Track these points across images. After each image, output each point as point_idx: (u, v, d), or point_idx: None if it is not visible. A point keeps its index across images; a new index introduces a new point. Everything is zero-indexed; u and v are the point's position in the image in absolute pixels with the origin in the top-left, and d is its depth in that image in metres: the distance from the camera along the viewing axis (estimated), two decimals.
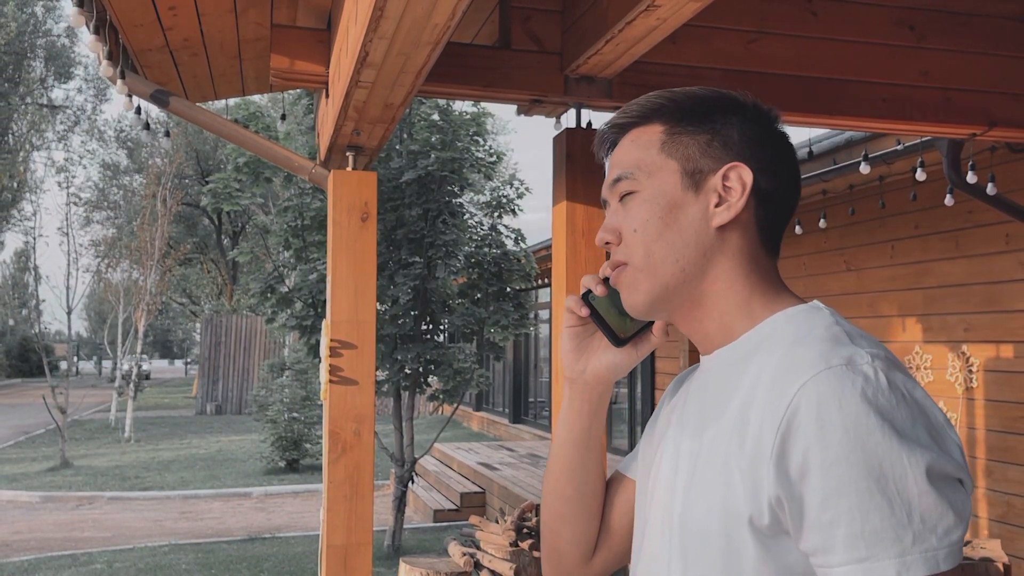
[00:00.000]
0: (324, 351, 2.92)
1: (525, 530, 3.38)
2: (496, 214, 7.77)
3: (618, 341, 1.05)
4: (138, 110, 3.25)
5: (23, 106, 29.85)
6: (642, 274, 0.97)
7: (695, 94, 1.01)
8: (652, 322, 1.05)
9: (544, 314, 14.07)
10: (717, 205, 0.96)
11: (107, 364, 47.97)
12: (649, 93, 1.03)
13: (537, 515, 3.54)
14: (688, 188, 0.97)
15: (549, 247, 7.52)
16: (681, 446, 0.97)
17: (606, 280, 1.04)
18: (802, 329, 0.90)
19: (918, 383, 0.85)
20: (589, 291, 1.05)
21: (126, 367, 18.64)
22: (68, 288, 15.69)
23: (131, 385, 17.23)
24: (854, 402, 0.80)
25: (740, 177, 0.96)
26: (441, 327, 7.62)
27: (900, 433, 0.79)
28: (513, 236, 7.77)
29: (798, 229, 6.11)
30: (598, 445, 1.13)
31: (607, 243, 1.01)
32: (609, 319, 1.05)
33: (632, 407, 10.24)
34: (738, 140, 0.98)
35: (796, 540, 0.83)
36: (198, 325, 29.57)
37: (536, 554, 3.38)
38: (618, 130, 1.05)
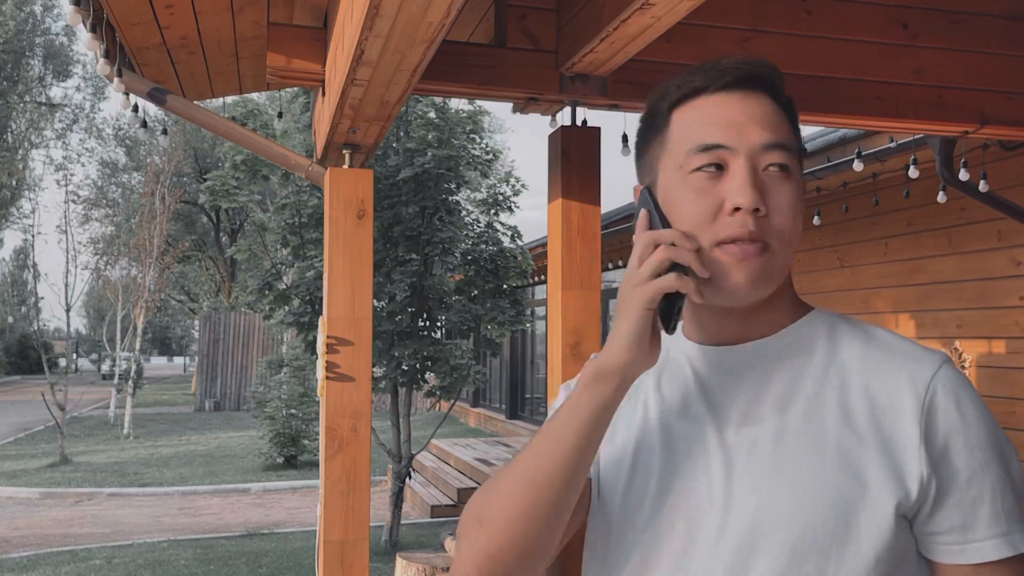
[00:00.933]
0: (321, 348, 2.92)
1: None
2: (493, 211, 7.76)
3: (671, 327, 0.90)
4: (135, 108, 3.24)
5: (22, 104, 29.78)
6: (778, 259, 0.89)
7: None
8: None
9: (540, 311, 14.07)
10: None
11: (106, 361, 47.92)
12: (758, 61, 0.94)
13: None
14: None
15: (545, 244, 7.51)
16: (724, 439, 0.91)
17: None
18: (859, 326, 0.94)
19: None
20: (688, 268, 0.87)
21: (124, 365, 18.60)
22: (67, 285, 15.66)
23: (129, 382, 17.21)
24: (975, 393, 0.89)
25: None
26: (438, 324, 7.62)
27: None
28: (509, 233, 7.76)
29: None
30: None
31: (756, 210, 0.87)
32: (671, 301, 0.89)
33: None
34: None
35: (928, 518, 0.86)
36: (197, 322, 29.55)
37: None
38: (771, 84, 0.94)
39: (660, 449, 0.95)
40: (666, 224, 0.90)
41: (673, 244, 0.86)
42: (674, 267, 0.86)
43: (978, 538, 0.85)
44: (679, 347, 1.00)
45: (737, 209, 0.86)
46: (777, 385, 0.91)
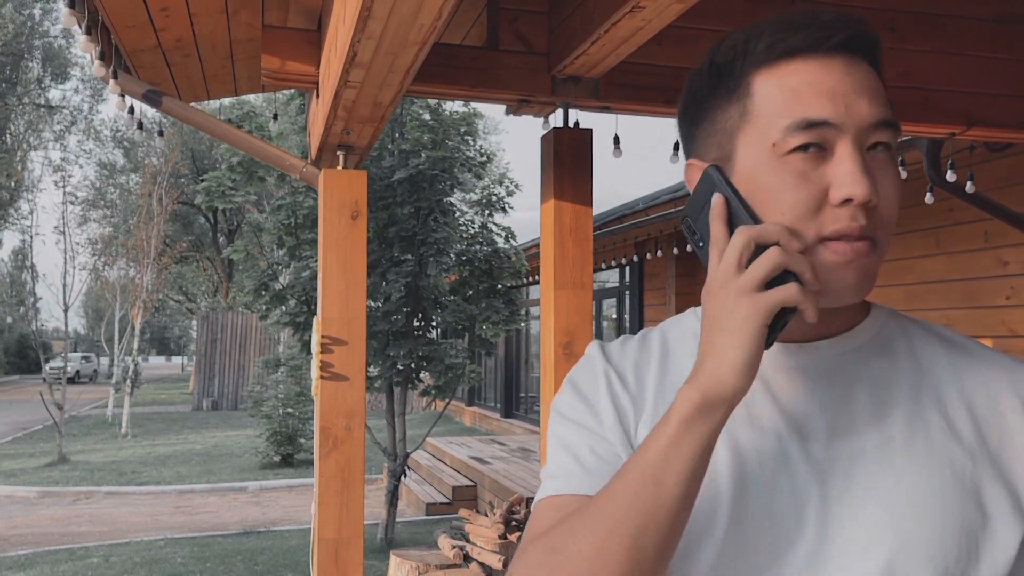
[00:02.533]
0: (315, 347, 2.91)
1: (514, 523, 3.38)
2: (487, 212, 7.76)
3: (772, 339, 0.73)
4: (131, 110, 3.23)
5: (20, 106, 29.69)
6: (877, 256, 0.75)
7: None
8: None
9: (535, 311, 14.07)
10: None
11: (104, 360, 47.82)
12: (860, 19, 0.77)
13: (526, 507, 3.53)
14: None
15: (538, 244, 7.52)
16: (810, 452, 0.76)
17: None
18: (927, 326, 0.84)
19: None
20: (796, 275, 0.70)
21: (122, 365, 18.57)
22: (65, 286, 15.62)
23: (127, 382, 17.17)
24: None
25: None
26: (433, 323, 7.61)
27: None
28: (503, 234, 7.76)
29: None
30: None
31: (868, 202, 0.72)
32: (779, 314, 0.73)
33: None
34: None
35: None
36: (194, 322, 29.49)
37: None
38: (874, 50, 0.78)
39: (727, 466, 0.77)
40: (752, 215, 0.73)
41: (778, 243, 0.69)
42: (784, 274, 0.70)
43: None
44: None
45: (847, 201, 0.71)
46: (865, 391, 0.77)
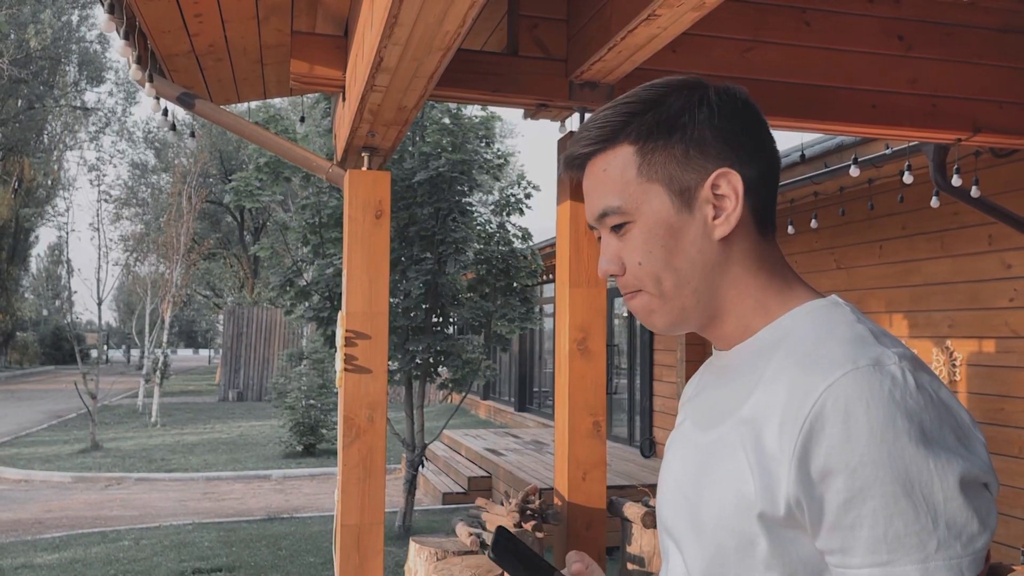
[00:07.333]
0: (340, 341, 2.93)
1: (529, 512, 3.39)
2: (504, 213, 7.77)
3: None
4: (165, 112, 3.26)
5: (57, 108, 29.98)
6: (657, 301, 0.90)
7: (656, 100, 0.90)
8: None
9: (549, 308, 14.07)
10: (715, 217, 0.87)
11: (135, 352, 48.19)
12: (607, 107, 0.91)
13: (540, 498, 3.54)
14: (682, 208, 0.87)
15: (554, 244, 7.51)
16: (697, 440, 0.90)
17: None
18: (823, 327, 0.83)
19: (943, 383, 0.79)
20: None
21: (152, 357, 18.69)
22: (99, 280, 15.75)
23: (157, 373, 17.31)
24: (882, 404, 0.74)
25: (731, 184, 0.87)
26: (451, 320, 7.63)
27: (927, 436, 0.74)
28: (520, 234, 7.77)
29: (791, 229, 6.09)
30: None
31: (612, 274, 0.92)
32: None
33: (631, 397, 10.24)
34: (713, 140, 0.88)
35: (813, 539, 0.77)
36: (221, 316, 29.66)
37: (539, 535, 3.39)
38: (584, 158, 0.93)
39: (672, 449, 0.97)
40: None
41: None
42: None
43: (854, 565, 0.74)
44: None
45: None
46: (731, 390, 0.87)
